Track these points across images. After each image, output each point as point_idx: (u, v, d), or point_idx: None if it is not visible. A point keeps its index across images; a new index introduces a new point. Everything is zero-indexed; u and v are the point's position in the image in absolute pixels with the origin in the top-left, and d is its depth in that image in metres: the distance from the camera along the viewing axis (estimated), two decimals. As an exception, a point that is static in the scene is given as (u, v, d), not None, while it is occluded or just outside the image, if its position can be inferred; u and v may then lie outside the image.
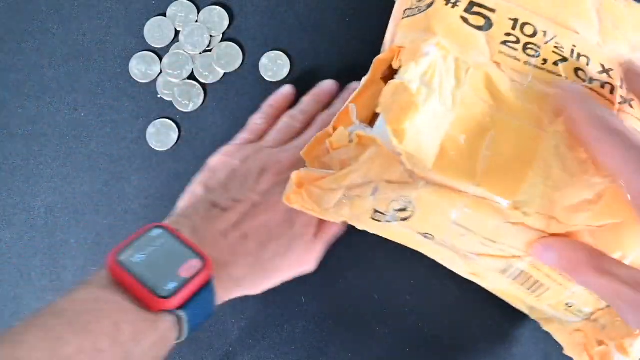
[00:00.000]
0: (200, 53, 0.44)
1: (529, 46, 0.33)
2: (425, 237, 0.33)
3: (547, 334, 0.36)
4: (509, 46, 0.33)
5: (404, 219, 0.32)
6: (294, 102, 0.42)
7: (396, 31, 0.35)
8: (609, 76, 0.33)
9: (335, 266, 0.39)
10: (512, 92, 0.32)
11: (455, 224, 0.31)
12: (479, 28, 0.33)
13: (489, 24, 0.33)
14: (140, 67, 0.44)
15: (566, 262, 0.29)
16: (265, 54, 0.43)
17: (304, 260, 0.37)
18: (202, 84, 0.43)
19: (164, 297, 0.28)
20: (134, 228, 0.41)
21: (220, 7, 0.44)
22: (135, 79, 0.43)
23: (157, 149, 0.43)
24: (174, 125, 0.43)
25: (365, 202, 0.32)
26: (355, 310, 0.40)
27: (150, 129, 0.43)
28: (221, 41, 0.44)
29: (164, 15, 0.44)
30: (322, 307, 0.40)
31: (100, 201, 0.42)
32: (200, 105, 0.43)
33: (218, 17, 0.44)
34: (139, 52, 0.44)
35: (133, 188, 0.42)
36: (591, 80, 0.33)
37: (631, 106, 0.33)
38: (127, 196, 0.42)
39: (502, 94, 0.32)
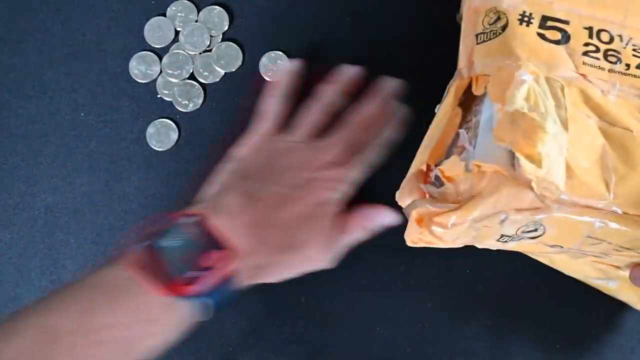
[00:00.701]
0: (200, 53, 0.43)
1: (610, 53, 0.33)
2: (552, 247, 0.33)
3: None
4: (591, 56, 0.33)
5: (533, 238, 0.32)
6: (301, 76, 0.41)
7: (472, 57, 0.35)
8: None
9: (335, 266, 0.39)
10: (606, 103, 0.32)
11: (588, 237, 0.31)
12: (558, 42, 0.33)
13: (566, 37, 0.33)
14: (140, 67, 0.44)
15: None
16: (266, 54, 0.43)
17: (320, 257, 0.37)
18: (202, 84, 0.43)
19: (181, 284, 0.30)
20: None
21: (220, 7, 0.44)
22: (135, 79, 0.43)
23: (157, 149, 0.43)
24: (173, 125, 0.43)
25: (492, 230, 0.32)
26: (355, 310, 0.40)
27: (150, 129, 0.43)
28: (221, 41, 0.44)
29: (164, 15, 0.44)
30: (322, 307, 0.40)
31: (100, 201, 0.42)
32: (200, 105, 0.43)
33: (218, 17, 0.44)
34: (139, 52, 0.44)
35: (133, 188, 0.42)
36: None
37: None
38: (127, 196, 0.42)
39: (601, 106, 0.31)
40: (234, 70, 0.43)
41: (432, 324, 0.40)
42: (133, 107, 0.43)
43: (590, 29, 0.33)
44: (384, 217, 0.38)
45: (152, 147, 0.43)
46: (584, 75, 0.32)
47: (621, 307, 0.39)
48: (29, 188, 0.43)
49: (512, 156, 0.29)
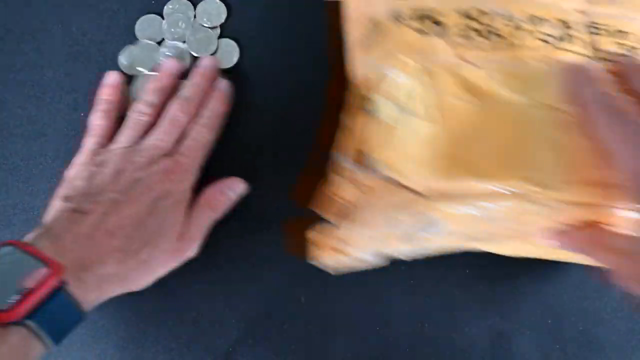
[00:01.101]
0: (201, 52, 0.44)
1: (487, 29, 0.33)
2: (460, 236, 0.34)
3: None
4: (468, 38, 0.33)
5: (434, 231, 0.33)
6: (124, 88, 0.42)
7: (354, 60, 0.35)
8: (571, 28, 0.33)
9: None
10: (486, 81, 0.32)
11: (484, 220, 0.31)
12: (433, 32, 0.33)
13: (441, 25, 0.33)
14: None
15: (575, 248, 0.33)
16: (121, 53, 0.44)
17: (181, 248, 0.37)
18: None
19: (3, 311, 0.29)
20: (134, 228, 0.41)
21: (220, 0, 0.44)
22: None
23: (157, 149, 0.43)
24: (173, 125, 0.43)
25: (393, 234, 0.32)
26: (355, 310, 0.40)
27: (150, 129, 0.43)
28: (220, 36, 0.44)
29: (162, 14, 0.44)
30: (322, 307, 0.40)
31: (100, 201, 0.42)
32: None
33: (216, 11, 0.44)
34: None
35: (133, 188, 0.42)
36: (557, 39, 0.33)
37: (599, 49, 0.33)
38: (127, 196, 0.42)
39: (481, 88, 0.32)
40: (230, 66, 0.43)
41: (432, 324, 0.40)
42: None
43: (465, 11, 0.33)
44: (234, 189, 0.39)
45: (152, 147, 0.43)
46: (463, 58, 0.32)
47: (621, 307, 0.39)
48: (28, 188, 0.43)
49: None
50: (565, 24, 0.34)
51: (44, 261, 0.31)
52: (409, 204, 0.31)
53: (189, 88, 0.40)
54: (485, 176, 0.30)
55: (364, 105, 0.33)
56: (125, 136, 0.39)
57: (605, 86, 0.30)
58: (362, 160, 0.32)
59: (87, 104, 0.43)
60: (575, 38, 0.33)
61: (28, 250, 0.31)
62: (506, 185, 0.30)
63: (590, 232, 0.32)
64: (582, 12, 0.34)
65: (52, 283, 0.30)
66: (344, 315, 0.40)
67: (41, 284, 0.30)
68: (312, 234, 0.33)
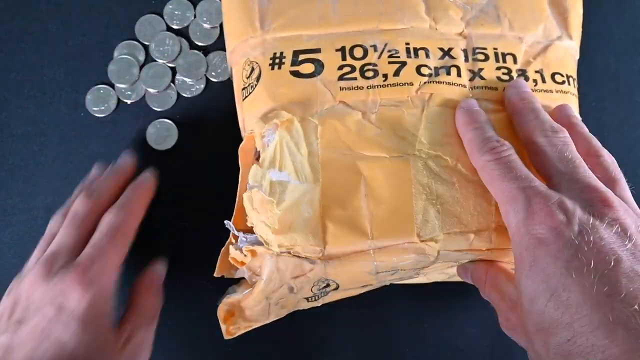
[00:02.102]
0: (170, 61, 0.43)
1: (366, 68, 0.31)
2: (365, 287, 0.33)
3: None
4: (347, 79, 0.31)
5: (336, 289, 0.32)
6: None
7: (243, 115, 0.33)
8: (451, 56, 0.32)
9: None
10: (366, 128, 0.30)
11: (378, 273, 0.31)
12: (312, 75, 0.31)
13: (320, 66, 0.31)
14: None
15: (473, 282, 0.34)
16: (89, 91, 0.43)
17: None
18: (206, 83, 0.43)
19: None
20: (133, 228, 0.41)
21: None
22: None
23: (157, 148, 0.43)
24: (173, 125, 0.43)
25: (292, 299, 0.32)
26: (355, 310, 0.40)
27: (150, 129, 0.43)
28: (219, 36, 0.44)
29: (162, 14, 0.44)
30: (322, 307, 0.40)
31: (100, 201, 0.42)
32: (201, 105, 0.43)
33: (216, 10, 0.44)
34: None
35: (133, 188, 0.42)
36: (436, 71, 0.31)
37: (482, 77, 0.32)
38: (127, 196, 0.42)
39: (358, 135, 0.30)
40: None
41: (432, 324, 0.40)
42: (133, 107, 0.43)
43: (342, 49, 0.31)
44: (158, 274, 0.37)
45: (152, 146, 0.43)
46: (343, 102, 0.30)
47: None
48: (28, 188, 0.43)
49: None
50: (447, 53, 0.32)
51: None
52: (302, 269, 0.29)
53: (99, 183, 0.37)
54: (373, 236, 0.28)
55: (246, 175, 0.31)
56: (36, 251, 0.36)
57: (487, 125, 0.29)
58: (250, 231, 0.31)
59: (87, 103, 0.43)
60: (455, 68, 0.32)
61: None
62: (393, 242, 0.29)
63: (485, 270, 0.32)
64: (465, 37, 0.33)
65: None
66: (344, 315, 0.40)
67: None
68: (219, 309, 0.32)
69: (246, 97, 0.32)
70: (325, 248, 0.28)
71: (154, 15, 0.44)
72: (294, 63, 0.31)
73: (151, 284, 0.37)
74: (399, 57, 0.31)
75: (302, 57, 0.31)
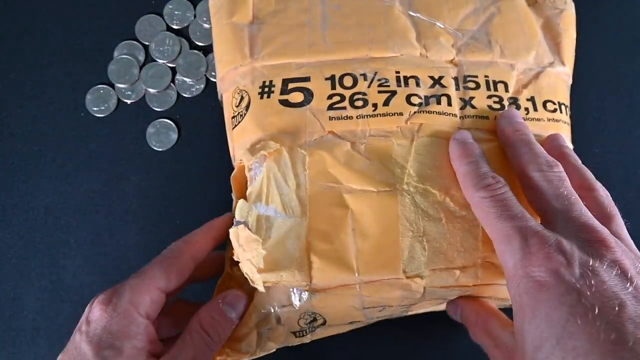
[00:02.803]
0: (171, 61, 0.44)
1: (355, 97, 0.30)
2: (353, 323, 0.33)
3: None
4: (336, 108, 0.30)
5: (323, 324, 0.31)
6: None
7: (233, 143, 0.33)
8: (442, 85, 0.31)
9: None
10: (354, 159, 0.29)
11: (365, 309, 0.30)
12: (301, 104, 0.30)
13: (309, 95, 0.31)
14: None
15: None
16: None
17: None
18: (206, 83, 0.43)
19: None
20: (133, 228, 0.41)
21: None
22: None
23: (157, 149, 0.43)
24: (173, 125, 0.43)
25: (279, 331, 0.31)
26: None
27: (150, 129, 0.43)
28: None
29: (162, 14, 0.44)
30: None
31: (100, 201, 0.42)
32: (201, 105, 0.43)
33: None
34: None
35: (133, 188, 0.42)
36: (427, 100, 0.31)
37: (473, 106, 0.31)
38: (126, 196, 0.42)
39: (346, 166, 0.29)
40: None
41: (432, 323, 0.40)
42: (133, 107, 0.43)
43: (332, 78, 0.31)
44: (235, 307, 0.32)
45: (152, 147, 0.43)
46: (332, 133, 0.30)
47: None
48: (29, 188, 0.43)
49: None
50: (437, 81, 0.31)
51: None
52: (289, 299, 0.29)
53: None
54: (359, 271, 0.28)
55: (233, 211, 0.30)
56: None
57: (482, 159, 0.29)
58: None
59: (87, 103, 0.43)
60: (445, 97, 0.31)
61: None
62: (379, 277, 0.28)
63: (475, 312, 0.31)
64: (456, 64, 0.32)
65: None
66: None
67: None
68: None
69: (235, 125, 0.32)
70: (311, 282, 0.28)
71: (154, 15, 0.44)
72: (283, 92, 0.31)
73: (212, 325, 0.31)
74: (388, 86, 0.31)
75: (291, 85, 0.31)
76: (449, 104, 0.31)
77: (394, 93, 0.31)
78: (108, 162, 0.43)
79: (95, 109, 0.43)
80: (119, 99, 0.43)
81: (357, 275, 0.28)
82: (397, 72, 0.31)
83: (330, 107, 0.30)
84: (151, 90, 0.43)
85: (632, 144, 0.43)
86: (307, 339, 0.33)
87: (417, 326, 0.40)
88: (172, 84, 0.44)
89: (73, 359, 0.28)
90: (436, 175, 0.29)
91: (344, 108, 0.30)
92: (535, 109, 0.32)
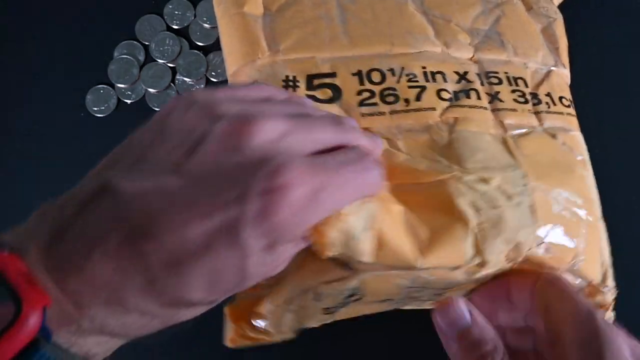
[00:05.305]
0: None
1: (386, 93, 0.30)
2: (382, 302, 0.32)
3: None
4: (367, 104, 0.29)
5: (357, 300, 0.30)
6: None
7: None
8: (468, 80, 0.31)
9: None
10: (395, 156, 0.28)
11: (408, 288, 0.29)
12: (331, 100, 0.29)
13: (336, 91, 0.29)
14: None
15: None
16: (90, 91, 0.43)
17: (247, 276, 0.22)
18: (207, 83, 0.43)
19: None
20: (134, 228, 0.41)
21: None
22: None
23: (157, 149, 0.43)
24: (174, 125, 0.43)
25: (310, 308, 0.30)
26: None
27: (150, 129, 0.43)
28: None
29: (162, 14, 0.44)
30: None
31: (100, 201, 0.42)
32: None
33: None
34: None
35: (133, 188, 0.42)
36: (456, 95, 0.30)
37: (500, 99, 0.31)
38: (127, 196, 0.42)
39: (391, 162, 0.28)
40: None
41: (432, 323, 0.40)
42: (133, 107, 0.43)
43: (359, 73, 0.30)
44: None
45: (152, 147, 0.43)
46: (367, 129, 0.29)
47: (621, 307, 0.39)
48: (29, 188, 0.43)
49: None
50: (463, 76, 0.31)
51: (18, 299, 0.19)
52: (337, 276, 0.28)
53: None
54: (424, 264, 0.27)
55: None
56: None
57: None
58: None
59: (87, 103, 0.43)
60: (474, 91, 0.31)
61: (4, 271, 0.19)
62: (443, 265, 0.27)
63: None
64: (476, 62, 0.32)
65: (28, 328, 0.19)
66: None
67: (15, 329, 0.19)
68: (228, 309, 0.30)
69: None
70: (373, 260, 0.27)
71: (154, 15, 0.44)
72: (309, 88, 0.29)
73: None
74: (417, 81, 0.30)
75: (316, 82, 0.29)
76: (478, 97, 0.31)
77: (424, 88, 0.30)
78: (108, 162, 0.43)
79: (95, 109, 0.43)
80: (119, 99, 0.43)
81: (419, 263, 0.26)
82: (424, 68, 0.31)
83: (361, 103, 0.29)
84: (151, 90, 0.43)
85: (632, 144, 0.43)
86: (331, 318, 0.32)
87: (417, 326, 0.40)
88: (172, 84, 0.44)
89: None
90: (479, 168, 0.28)
91: (376, 104, 0.29)
92: (554, 104, 0.33)
